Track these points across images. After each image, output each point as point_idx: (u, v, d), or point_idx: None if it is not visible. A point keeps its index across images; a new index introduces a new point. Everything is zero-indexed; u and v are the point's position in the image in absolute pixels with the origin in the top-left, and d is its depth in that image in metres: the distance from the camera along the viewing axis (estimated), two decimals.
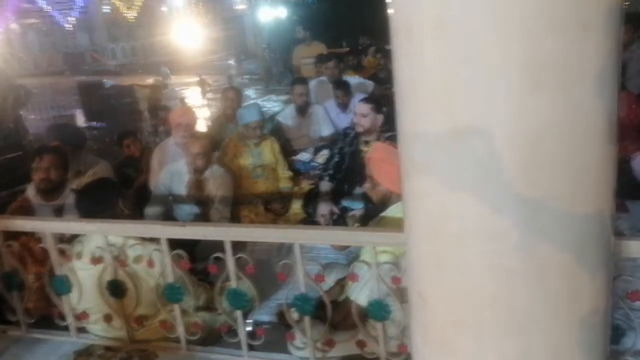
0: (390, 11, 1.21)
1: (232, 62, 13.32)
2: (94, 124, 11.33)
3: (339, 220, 3.74)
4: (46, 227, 2.62)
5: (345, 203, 3.88)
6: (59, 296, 2.70)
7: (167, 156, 4.27)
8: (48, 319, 2.82)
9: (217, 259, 2.35)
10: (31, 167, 3.33)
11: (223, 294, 2.49)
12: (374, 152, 2.82)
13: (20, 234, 2.87)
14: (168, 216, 3.91)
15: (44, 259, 2.71)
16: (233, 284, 2.40)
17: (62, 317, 2.75)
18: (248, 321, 2.58)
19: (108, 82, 13.34)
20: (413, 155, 1.27)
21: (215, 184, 3.84)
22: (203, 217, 3.82)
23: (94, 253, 2.58)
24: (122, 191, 2.83)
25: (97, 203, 2.69)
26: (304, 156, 4.87)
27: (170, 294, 2.51)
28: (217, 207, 3.82)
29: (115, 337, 2.70)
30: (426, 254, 1.38)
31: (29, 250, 2.88)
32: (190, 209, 3.88)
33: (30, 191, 3.36)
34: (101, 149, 6.92)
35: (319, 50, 7.35)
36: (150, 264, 2.53)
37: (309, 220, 3.97)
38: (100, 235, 2.54)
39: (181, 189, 3.87)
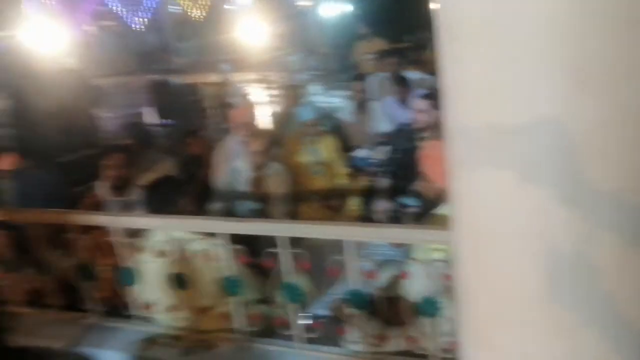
0: (434, 9, 1.24)
1: (295, 58, 13.44)
2: (162, 121, 11.73)
3: (396, 217, 3.76)
4: (114, 222, 2.79)
5: (402, 200, 3.90)
6: (126, 287, 2.86)
7: (228, 154, 4.40)
8: (117, 308, 2.99)
9: (273, 253, 2.44)
10: (102, 165, 3.53)
11: (279, 287, 2.57)
12: (428, 149, 2.83)
13: (92, 228, 3.05)
14: (229, 212, 4.04)
15: (112, 252, 2.88)
16: (288, 278, 2.48)
17: (130, 307, 2.91)
18: (305, 315, 2.64)
19: (175, 80, 13.79)
20: (458, 153, 1.29)
21: (274, 180, 3.94)
22: (262, 213, 3.93)
23: (158, 247, 2.72)
24: (184, 188, 2.96)
25: (161, 199, 2.84)
26: (362, 152, 4.91)
27: (229, 286, 2.62)
28: (276, 203, 3.92)
29: (178, 326, 2.84)
30: (472, 251, 1.39)
31: (100, 243, 3.05)
32: (250, 205, 3.99)
33: (101, 188, 3.57)
34: (169, 147, 7.18)
35: (380, 46, 7.35)
36: (211, 257, 2.64)
37: (366, 216, 4.02)
38: (164, 230, 2.68)
39: (241, 185, 3.99)
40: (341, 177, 4.46)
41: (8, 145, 7.11)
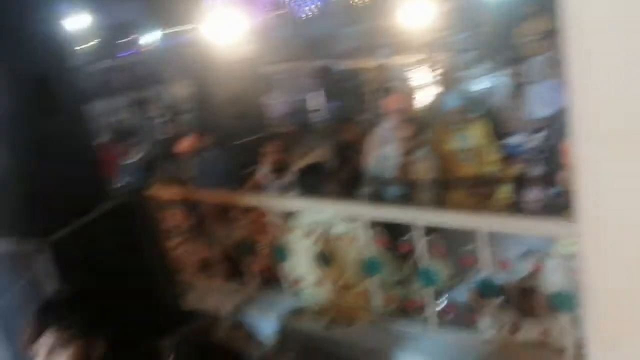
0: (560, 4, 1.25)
1: (457, 39, 13.11)
2: (325, 106, 12.25)
3: (548, 206, 3.66)
4: (269, 203, 3.11)
5: (554, 189, 3.78)
6: (280, 263, 3.18)
7: (380, 140, 4.57)
8: (272, 281, 3.33)
9: (411, 238, 2.57)
10: (263, 150, 3.90)
11: (416, 271, 2.70)
12: None
13: (253, 207, 3.41)
14: (378, 197, 4.21)
15: (269, 230, 3.21)
16: (423, 263, 2.59)
17: (282, 281, 3.23)
18: (440, 299, 2.74)
19: (339, 65, 14.24)
20: (585, 150, 1.30)
21: (422, 167, 4.03)
22: (409, 199, 4.05)
23: (306, 227, 2.99)
24: (333, 173, 3.19)
25: (311, 183, 3.10)
26: (516, 139, 4.78)
27: (368, 267, 2.80)
28: (423, 189, 4.02)
29: (323, 301, 3.09)
30: (599, 247, 1.39)
31: (259, 222, 3.41)
32: (398, 190, 4.13)
33: (262, 170, 3.95)
34: (326, 133, 7.54)
35: (546, 25, 6.97)
36: (353, 239, 2.85)
37: (516, 205, 3.95)
38: (311, 212, 2.94)
39: (390, 171, 4.14)
40: (492, 164, 4.40)
41: (190, 129, 7.98)
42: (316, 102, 12.77)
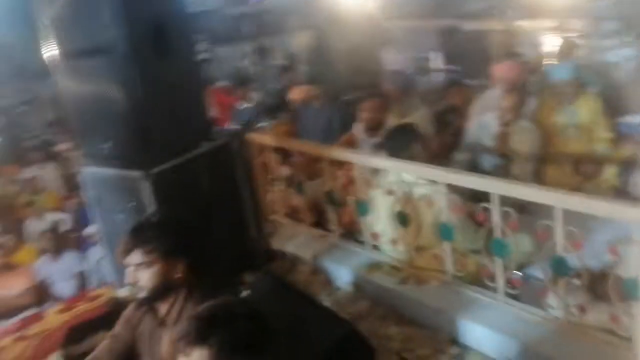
0: None
1: (595, 6, 12.10)
2: (448, 67, 11.93)
3: None
4: (357, 159, 3.21)
5: None
6: (360, 216, 3.30)
7: (484, 106, 4.47)
8: (353, 233, 3.47)
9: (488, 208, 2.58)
10: (360, 107, 3.97)
11: (490, 241, 2.70)
12: None
13: (343, 162, 3.53)
14: (474, 165, 4.16)
15: (355, 185, 3.32)
16: (497, 234, 2.60)
17: (362, 234, 3.35)
18: (511, 271, 2.73)
19: (466, 26, 13.71)
20: None
21: (521, 138, 3.92)
22: (505, 170, 3.96)
23: (389, 186, 3.07)
24: (425, 136, 3.22)
25: (399, 144, 3.15)
26: (635, 118, 4.46)
27: (444, 231, 2.85)
28: (520, 162, 3.92)
29: (398, 259, 3.19)
30: None
31: (347, 176, 3.53)
32: (494, 160, 4.05)
33: (358, 128, 4.04)
34: (437, 94, 7.38)
35: None
36: (431, 203, 2.89)
37: (621, 189, 3.75)
38: (395, 172, 3.01)
39: (488, 140, 4.06)
40: (601, 143, 4.17)
41: (304, 79, 8.17)
42: (435, 63, 12.47)
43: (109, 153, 3.12)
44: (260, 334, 1.54)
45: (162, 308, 2.03)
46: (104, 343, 2.17)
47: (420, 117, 4.31)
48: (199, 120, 3.39)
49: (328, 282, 3.44)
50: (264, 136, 3.81)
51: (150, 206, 3.00)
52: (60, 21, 2.99)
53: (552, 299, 2.54)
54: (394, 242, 3.17)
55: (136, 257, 1.96)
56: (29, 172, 7.87)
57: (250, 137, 3.79)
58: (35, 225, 6.49)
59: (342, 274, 3.38)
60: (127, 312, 2.17)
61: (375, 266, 3.27)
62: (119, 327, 2.17)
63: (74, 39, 2.99)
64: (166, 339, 1.99)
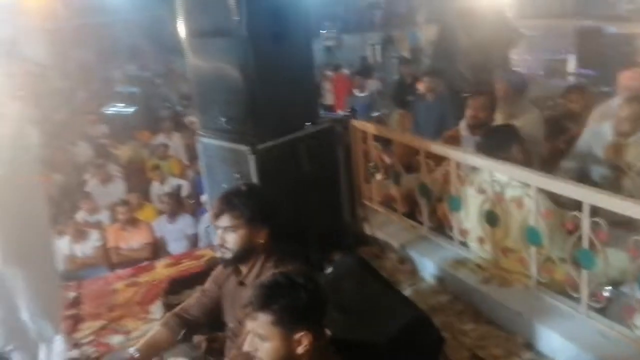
0: None
1: None
2: (582, 71, 11.25)
3: None
4: (452, 155, 3.25)
5: None
6: (451, 212, 3.34)
7: (603, 115, 4.28)
8: (443, 227, 3.51)
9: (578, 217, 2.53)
10: (469, 104, 3.97)
11: (577, 251, 2.65)
12: None
13: (441, 156, 3.57)
14: (582, 174, 4.01)
15: (449, 180, 3.36)
16: (585, 244, 2.54)
17: (451, 229, 3.39)
18: (597, 284, 2.66)
19: (610, 28, 12.78)
20: None
21: (637, 151, 3.72)
22: (615, 183, 3.79)
23: (480, 184, 3.08)
24: (521, 139, 3.19)
25: (496, 144, 3.15)
26: None
27: (531, 235, 2.82)
28: (633, 176, 3.72)
29: (484, 258, 3.20)
30: None
31: (444, 171, 3.57)
32: (604, 171, 3.88)
33: (462, 124, 4.04)
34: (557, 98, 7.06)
35: None
36: (521, 205, 2.88)
37: None
38: (487, 171, 3.02)
39: (600, 150, 3.90)
40: None
41: (425, 72, 8.15)
42: (568, 65, 11.82)
43: (222, 127, 3.40)
44: (317, 304, 1.69)
45: (244, 269, 2.24)
46: (194, 295, 2.44)
47: (530, 119, 4.21)
48: (307, 104, 3.58)
49: (413, 272, 3.52)
50: (367, 124, 3.93)
51: (253, 179, 3.25)
52: (192, 3, 3.30)
53: (639, 320, 2.46)
54: (481, 240, 3.18)
55: (224, 220, 2.19)
56: (158, 139, 8.61)
57: (354, 124, 3.93)
58: (158, 188, 7.13)
59: (427, 266, 3.45)
60: (216, 271, 2.41)
61: (460, 262, 3.31)
62: (208, 283, 2.42)
63: (200, 20, 3.29)
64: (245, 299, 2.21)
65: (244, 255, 2.21)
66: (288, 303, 1.64)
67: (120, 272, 4.08)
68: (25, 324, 2.34)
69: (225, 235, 2.20)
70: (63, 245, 5.78)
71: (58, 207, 6.81)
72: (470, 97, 3.94)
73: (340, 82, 9.45)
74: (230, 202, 2.22)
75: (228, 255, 2.22)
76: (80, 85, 12.48)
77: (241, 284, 2.25)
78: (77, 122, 10.14)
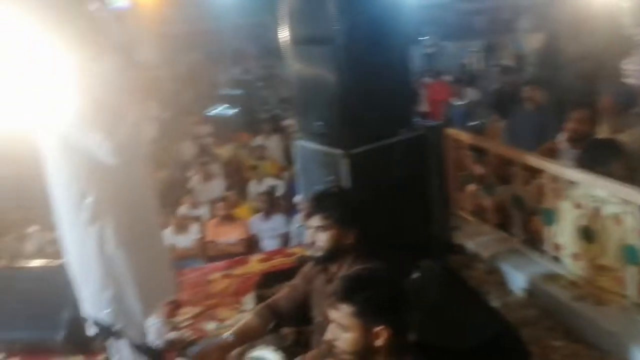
0: None
1: None
2: None
3: None
4: (548, 167, 3.18)
5: None
6: (545, 226, 3.27)
7: None
8: (535, 240, 3.44)
9: None
10: (569, 116, 3.86)
11: None
12: None
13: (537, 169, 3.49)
14: None
15: (544, 192, 3.29)
16: None
17: (544, 243, 3.32)
18: None
19: None
20: None
21: None
22: None
23: (578, 199, 3.00)
24: (624, 155, 3.07)
25: (597, 158, 3.05)
26: None
27: (629, 254, 2.72)
28: None
29: (578, 274, 3.10)
30: None
31: (539, 183, 3.49)
32: None
33: (562, 137, 3.93)
34: None
35: None
36: (620, 222, 2.78)
37: None
38: (586, 186, 2.94)
39: None
40: None
41: (526, 82, 7.92)
42: None
43: (318, 130, 3.53)
44: (398, 302, 1.75)
45: (332, 268, 2.34)
46: (284, 290, 2.57)
47: (636, 135, 4.01)
48: (402, 110, 3.63)
49: (501, 284, 3.48)
50: (461, 133, 3.92)
51: (346, 182, 3.35)
52: (294, 11, 3.46)
53: None
54: (575, 256, 3.10)
55: (315, 220, 2.29)
56: (257, 141, 8.95)
57: (448, 132, 3.93)
58: (255, 187, 7.43)
59: (517, 279, 3.39)
60: (306, 267, 2.53)
61: (552, 277, 3.23)
62: (297, 279, 2.54)
63: (302, 28, 3.44)
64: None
65: (333, 254, 2.30)
66: (369, 296, 1.72)
67: (216, 264, 4.32)
68: (132, 305, 2.54)
69: (315, 235, 2.30)
70: (165, 236, 6.18)
71: (162, 201, 7.28)
72: (572, 109, 3.82)
73: (437, 89, 9.37)
74: (321, 203, 2.32)
75: (318, 253, 2.32)
76: (187, 87, 13.19)
77: (329, 281, 2.34)
78: (183, 122, 10.74)
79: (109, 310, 2.47)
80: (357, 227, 2.31)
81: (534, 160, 3.37)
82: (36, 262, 4.48)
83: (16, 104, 2.51)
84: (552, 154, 3.87)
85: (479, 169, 3.92)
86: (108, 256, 2.42)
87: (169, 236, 6.22)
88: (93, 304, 2.48)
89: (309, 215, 2.33)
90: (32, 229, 6.43)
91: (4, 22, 2.39)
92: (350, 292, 1.74)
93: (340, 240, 2.29)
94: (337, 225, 2.27)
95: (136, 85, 2.70)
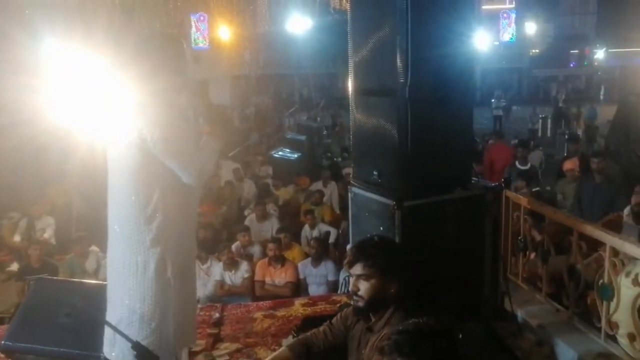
0: None
1: None
2: None
3: None
4: (608, 240, 3.06)
5: None
6: (601, 301, 3.12)
7: None
8: (589, 315, 3.28)
9: None
10: (635, 190, 3.73)
11: None
12: None
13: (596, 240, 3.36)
14: None
15: (603, 265, 3.16)
16: None
17: (599, 319, 3.16)
18: None
19: None
20: None
21: None
22: None
23: (637, 276, 2.87)
24: None
25: None
26: None
27: None
28: None
29: (633, 357, 2.93)
30: None
31: (597, 255, 3.35)
32: None
33: (627, 210, 3.79)
34: None
35: None
36: None
37: None
38: None
39: None
40: None
41: (595, 152, 7.74)
42: None
43: (374, 180, 3.55)
44: (454, 356, 1.71)
45: (374, 317, 2.31)
46: (320, 328, 2.54)
47: None
48: (460, 168, 3.61)
49: (550, 357, 3.32)
50: (520, 196, 3.84)
51: (397, 234, 3.33)
52: (362, 63, 3.55)
53: None
54: (631, 337, 2.93)
55: (358, 268, 2.28)
56: (315, 186, 9.05)
57: (507, 194, 3.87)
58: (308, 231, 7.46)
59: (567, 354, 3.23)
60: (346, 311, 2.51)
61: (605, 356, 3.06)
62: (336, 320, 2.52)
63: (368, 79, 3.52)
64: (370, 344, 2.27)
65: (375, 304, 2.27)
66: (428, 351, 1.67)
67: (261, 302, 4.35)
68: (169, 339, 2.56)
69: (357, 283, 2.28)
70: (216, 270, 6.27)
71: (217, 235, 7.43)
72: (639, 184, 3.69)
73: (498, 150, 9.22)
74: (364, 251, 2.31)
75: (360, 303, 2.29)
76: (255, 128, 13.58)
77: (369, 329, 2.32)
78: (248, 161, 11.02)
79: (150, 339, 2.47)
80: (401, 279, 2.28)
81: (593, 230, 3.26)
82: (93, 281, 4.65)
83: (96, 120, 2.72)
84: (614, 226, 3.74)
85: (536, 235, 3.81)
86: (165, 281, 2.48)
87: (219, 271, 6.31)
88: (130, 328, 2.46)
89: (351, 263, 2.31)
90: (92, 248, 6.70)
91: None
92: (410, 346, 1.68)
93: (383, 290, 2.26)
94: (379, 274, 2.25)
95: (210, 119, 2.82)
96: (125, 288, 2.50)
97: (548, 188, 7.47)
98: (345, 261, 2.38)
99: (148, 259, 2.45)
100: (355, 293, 2.30)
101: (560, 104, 15.36)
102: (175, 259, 2.49)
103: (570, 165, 7.07)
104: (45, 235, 7.77)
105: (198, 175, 2.52)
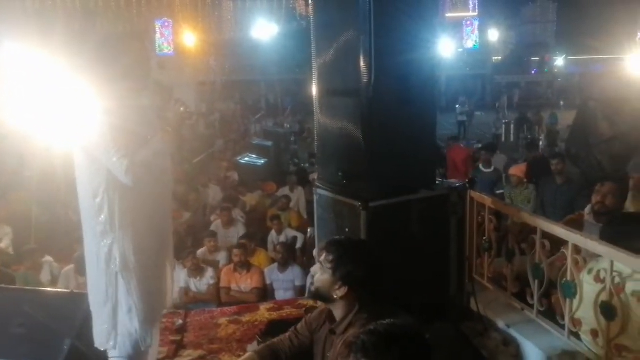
0: None
1: None
2: None
3: None
4: (571, 238, 3.09)
5: None
6: (564, 298, 3.14)
7: None
8: (552, 312, 3.31)
9: None
10: (596, 188, 3.78)
11: None
12: None
13: (559, 239, 3.39)
14: None
15: (565, 263, 3.19)
16: None
17: (561, 316, 3.19)
18: None
19: None
20: None
21: None
22: None
23: (599, 273, 2.89)
24: None
25: (622, 232, 2.96)
26: None
27: None
28: None
29: (596, 353, 2.96)
30: None
31: (559, 254, 3.38)
32: None
33: (587, 209, 3.84)
34: None
35: None
36: None
37: None
38: (608, 260, 2.83)
39: None
40: None
41: (554, 154, 7.88)
42: None
43: (338, 180, 3.53)
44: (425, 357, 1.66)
45: (337, 318, 2.28)
46: (286, 334, 2.51)
47: None
48: (424, 169, 3.63)
49: (516, 356, 3.33)
50: (485, 197, 3.85)
51: (362, 235, 3.31)
52: (326, 64, 3.53)
53: None
54: (594, 333, 2.95)
55: (322, 256, 2.31)
56: (282, 192, 9.00)
57: (472, 195, 3.88)
58: (275, 237, 7.40)
59: (533, 352, 3.25)
60: (311, 316, 2.49)
61: (569, 353, 3.08)
62: (301, 325, 2.49)
63: (332, 81, 3.51)
64: (334, 347, 2.24)
65: (320, 296, 2.31)
66: (400, 353, 1.61)
67: (225, 308, 4.27)
68: (129, 328, 2.58)
69: (317, 269, 2.31)
70: (181, 277, 6.15)
71: (182, 242, 7.30)
72: (599, 183, 3.74)
73: (462, 154, 9.37)
74: (333, 246, 2.30)
75: (312, 288, 2.35)
76: (220, 134, 13.45)
77: (332, 332, 2.29)
78: (213, 167, 10.89)
79: (105, 325, 2.58)
80: (353, 289, 2.24)
81: (556, 229, 3.28)
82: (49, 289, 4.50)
83: (53, 124, 2.73)
84: (576, 225, 3.77)
85: (500, 236, 3.83)
86: (111, 273, 2.54)
87: (184, 278, 6.19)
88: (96, 317, 2.62)
89: (321, 249, 2.37)
90: (45, 258, 6.46)
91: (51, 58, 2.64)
92: (381, 348, 1.61)
93: (329, 289, 2.27)
94: (331, 273, 2.26)
95: (171, 123, 2.80)
96: (90, 279, 2.64)
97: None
98: (318, 246, 2.40)
99: (99, 251, 2.52)
100: (313, 276, 2.34)
101: (524, 110, 15.77)
102: (126, 254, 2.49)
103: (514, 171, 7.23)
104: (2, 245, 7.50)
105: (132, 173, 2.45)
